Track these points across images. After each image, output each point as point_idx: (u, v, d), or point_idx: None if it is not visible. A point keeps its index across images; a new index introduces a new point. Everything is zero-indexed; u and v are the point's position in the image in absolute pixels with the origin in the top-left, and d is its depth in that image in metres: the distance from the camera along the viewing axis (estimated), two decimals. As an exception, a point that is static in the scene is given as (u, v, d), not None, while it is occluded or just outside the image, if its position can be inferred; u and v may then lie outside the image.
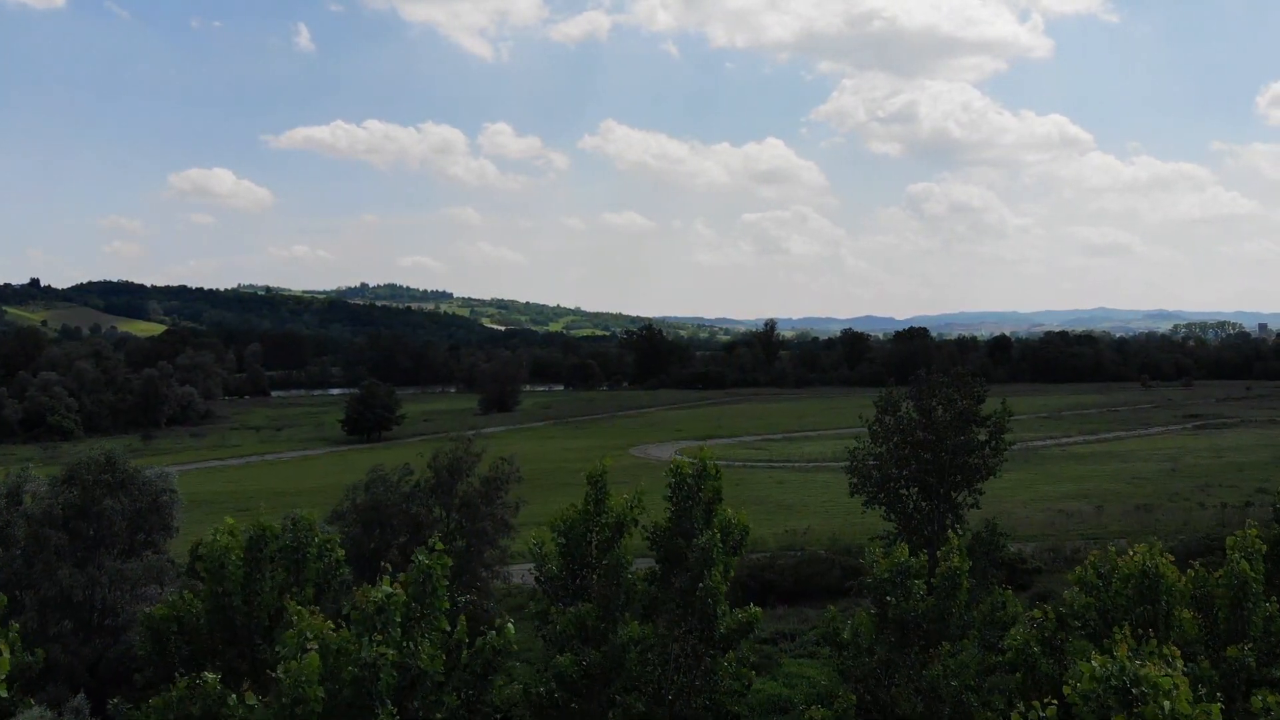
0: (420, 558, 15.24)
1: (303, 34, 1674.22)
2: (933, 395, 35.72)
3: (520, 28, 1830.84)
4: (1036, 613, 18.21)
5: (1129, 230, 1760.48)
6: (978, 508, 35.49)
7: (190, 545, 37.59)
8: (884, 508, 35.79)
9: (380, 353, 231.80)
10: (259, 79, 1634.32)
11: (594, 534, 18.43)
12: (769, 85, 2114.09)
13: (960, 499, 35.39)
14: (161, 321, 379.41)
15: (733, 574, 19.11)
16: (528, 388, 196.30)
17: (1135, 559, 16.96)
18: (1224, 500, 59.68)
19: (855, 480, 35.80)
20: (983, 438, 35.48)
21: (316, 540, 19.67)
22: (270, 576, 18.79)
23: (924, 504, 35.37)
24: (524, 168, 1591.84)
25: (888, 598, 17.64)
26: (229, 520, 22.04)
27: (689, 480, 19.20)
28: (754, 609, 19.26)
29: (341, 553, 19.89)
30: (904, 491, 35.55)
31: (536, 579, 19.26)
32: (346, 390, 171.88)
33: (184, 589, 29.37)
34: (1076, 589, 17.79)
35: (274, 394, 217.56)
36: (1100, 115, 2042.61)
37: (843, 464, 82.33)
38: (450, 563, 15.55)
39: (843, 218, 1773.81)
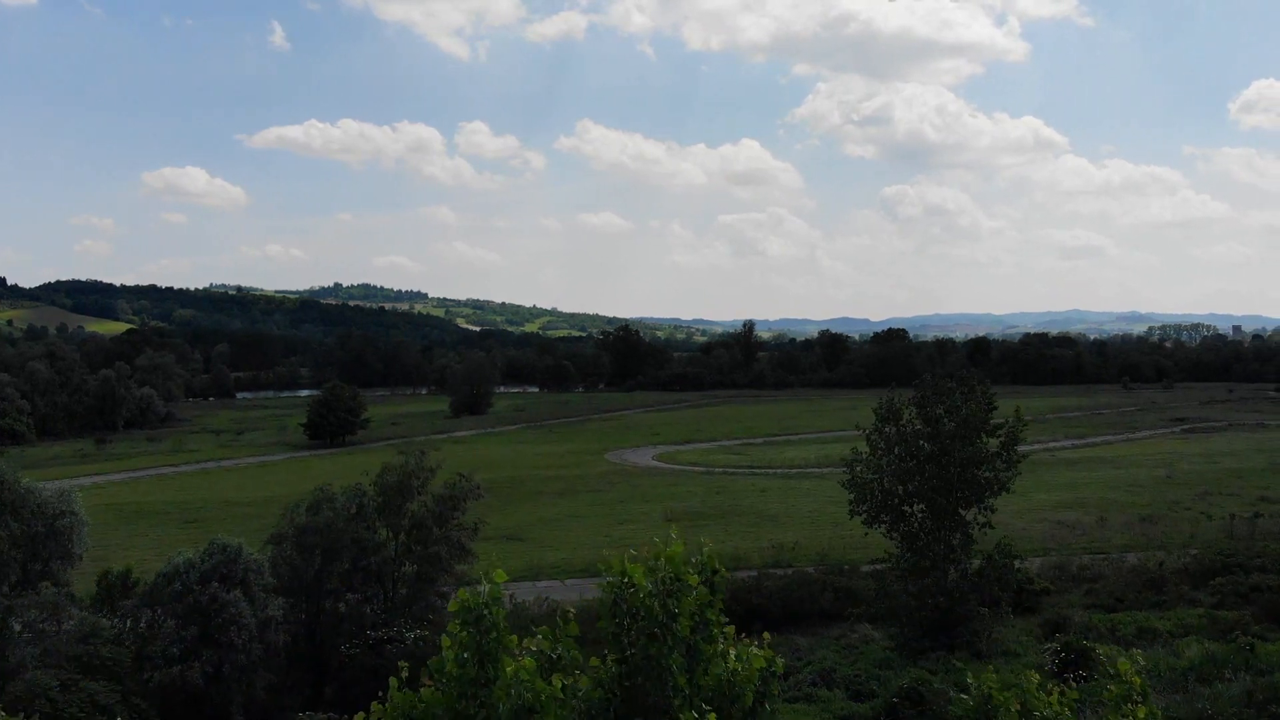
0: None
1: (277, 32, 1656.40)
2: (939, 401, 32.15)
3: (497, 27, 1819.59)
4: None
5: (1101, 233, 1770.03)
6: (990, 528, 31.98)
7: (99, 574, 33.76)
8: (885, 527, 32.20)
9: (350, 354, 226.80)
10: (233, 77, 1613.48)
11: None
12: (745, 87, 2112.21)
13: (970, 517, 31.86)
14: (130, 321, 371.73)
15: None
16: (501, 389, 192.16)
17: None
18: (1227, 510, 56.75)
19: (854, 497, 32.15)
20: (994, 448, 31.97)
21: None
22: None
23: (930, 523, 31.83)
24: (500, 167, 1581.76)
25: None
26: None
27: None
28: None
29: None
30: (907, 509, 32.01)
31: None
32: (315, 392, 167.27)
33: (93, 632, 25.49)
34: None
35: (240, 396, 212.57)
36: (1074, 119, 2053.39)
37: (825, 470, 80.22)
38: None
39: (819, 219, 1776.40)
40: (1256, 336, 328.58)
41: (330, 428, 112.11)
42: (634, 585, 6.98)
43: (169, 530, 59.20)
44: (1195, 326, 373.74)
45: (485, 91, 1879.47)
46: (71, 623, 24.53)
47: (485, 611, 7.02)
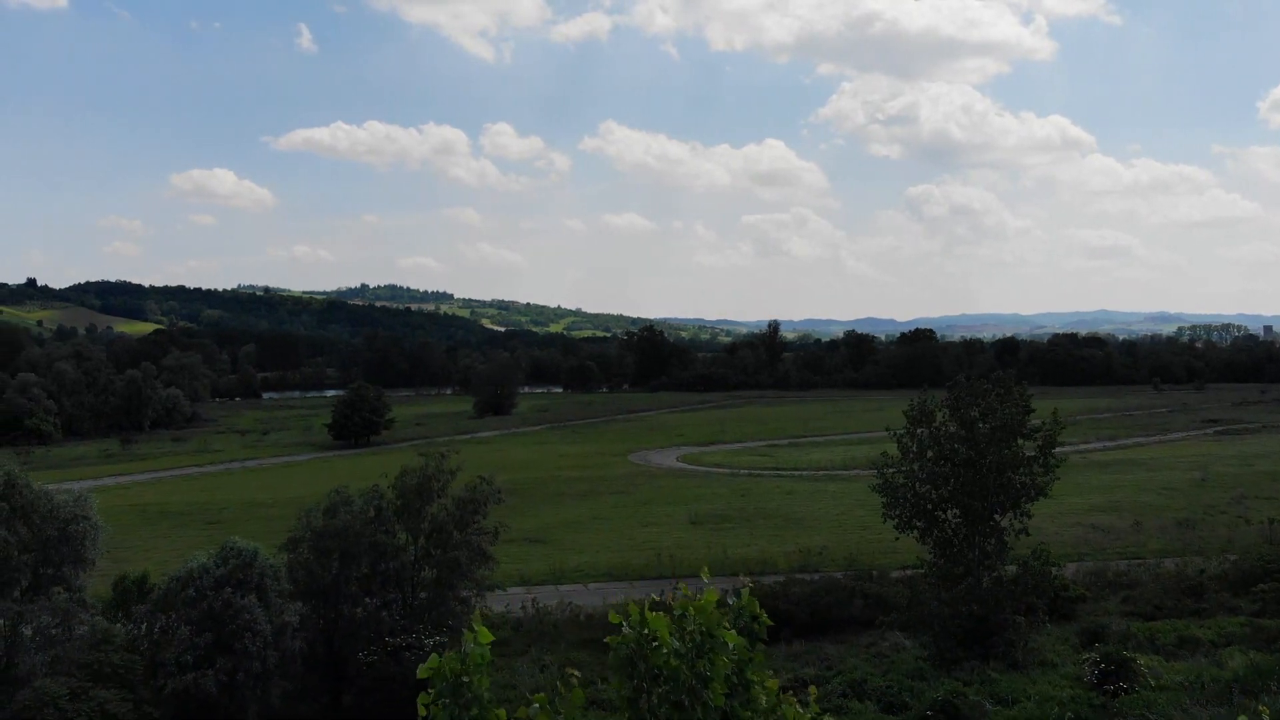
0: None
1: (304, 35, 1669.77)
2: (974, 403, 31.15)
3: (521, 29, 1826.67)
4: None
5: (1129, 232, 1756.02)
6: (1026, 534, 30.96)
7: (115, 579, 33.32)
8: (918, 533, 31.24)
9: (376, 354, 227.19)
10: (260, 80, 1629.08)
11: None
12: (769, 87, 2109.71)
13: (1006, 523, 30.85)
14: (158, 322, 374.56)
15: None
16: (525, 390, 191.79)
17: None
18: (1264, 513, 55.26)
19: (886, 501, 31.21)
20: (1030, 452, 30.95)
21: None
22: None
23: (964, 528, 30.85)
24: (525, 168, 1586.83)
25: None
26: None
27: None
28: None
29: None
30: (940, 514, 31.03)
31: None
32: (340, 392, 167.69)
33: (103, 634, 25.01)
34: None
35: (266, 396, 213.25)
36: (1101, 117, 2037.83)
37: (852, 472, 79.15)
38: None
39: (843, 220, 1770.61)
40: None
41: (355, 428, 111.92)
42: (656, 640, 5.44)
43: (191, 531, 58.88)
44: (1225, 327, 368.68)
45: (510, 93, 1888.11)
46: (83, 629, 24.04)
47: (465, 679, 5.47)
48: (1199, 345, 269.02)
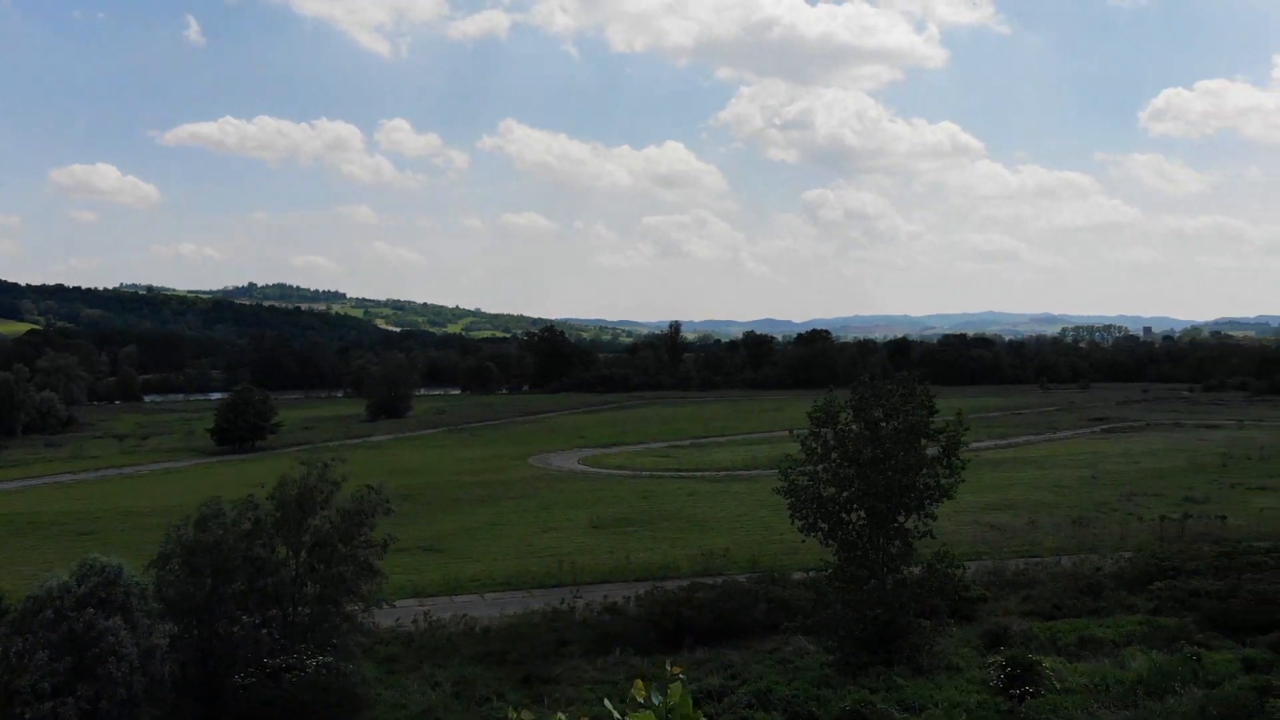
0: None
1: (192, 27, 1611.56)
2: (878, 404, 30.63)
3: (418, 24, 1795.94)
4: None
5: (1016, 236, 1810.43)
6: (932, 536, 30.58)
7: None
8: (823, 535, 30.56)
9: (264, 355, 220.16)
10: (145, 72, 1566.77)
11: None
12: (669, 89, 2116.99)
13: (911, 525, 30.40)
14: (35, 322, 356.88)
15: None
16: (421, 391, 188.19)
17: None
18: (1153, 510, 56.81)
19: (792, 503, 30.46)
20: (934, 453, 30.55)
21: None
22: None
23: (869, 530, 30.30)
24: (422, 166, 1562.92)
25: None
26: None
27: None
28: None
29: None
30: (845, 516, 30.42)
31: None
32: (225, 395, 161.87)
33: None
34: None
35: (148, 399, 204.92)
36: (990, 125, 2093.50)
37: (754, 472, 78.90)
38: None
39: (742, 222, 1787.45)
40: (1167, 337, 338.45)
41: (239, 432, 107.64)
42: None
43: (63, 543, 55.50)
44: (1107, 328, 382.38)
45: (407, 89, 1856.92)
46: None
47: None
48: (1083, 346, 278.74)
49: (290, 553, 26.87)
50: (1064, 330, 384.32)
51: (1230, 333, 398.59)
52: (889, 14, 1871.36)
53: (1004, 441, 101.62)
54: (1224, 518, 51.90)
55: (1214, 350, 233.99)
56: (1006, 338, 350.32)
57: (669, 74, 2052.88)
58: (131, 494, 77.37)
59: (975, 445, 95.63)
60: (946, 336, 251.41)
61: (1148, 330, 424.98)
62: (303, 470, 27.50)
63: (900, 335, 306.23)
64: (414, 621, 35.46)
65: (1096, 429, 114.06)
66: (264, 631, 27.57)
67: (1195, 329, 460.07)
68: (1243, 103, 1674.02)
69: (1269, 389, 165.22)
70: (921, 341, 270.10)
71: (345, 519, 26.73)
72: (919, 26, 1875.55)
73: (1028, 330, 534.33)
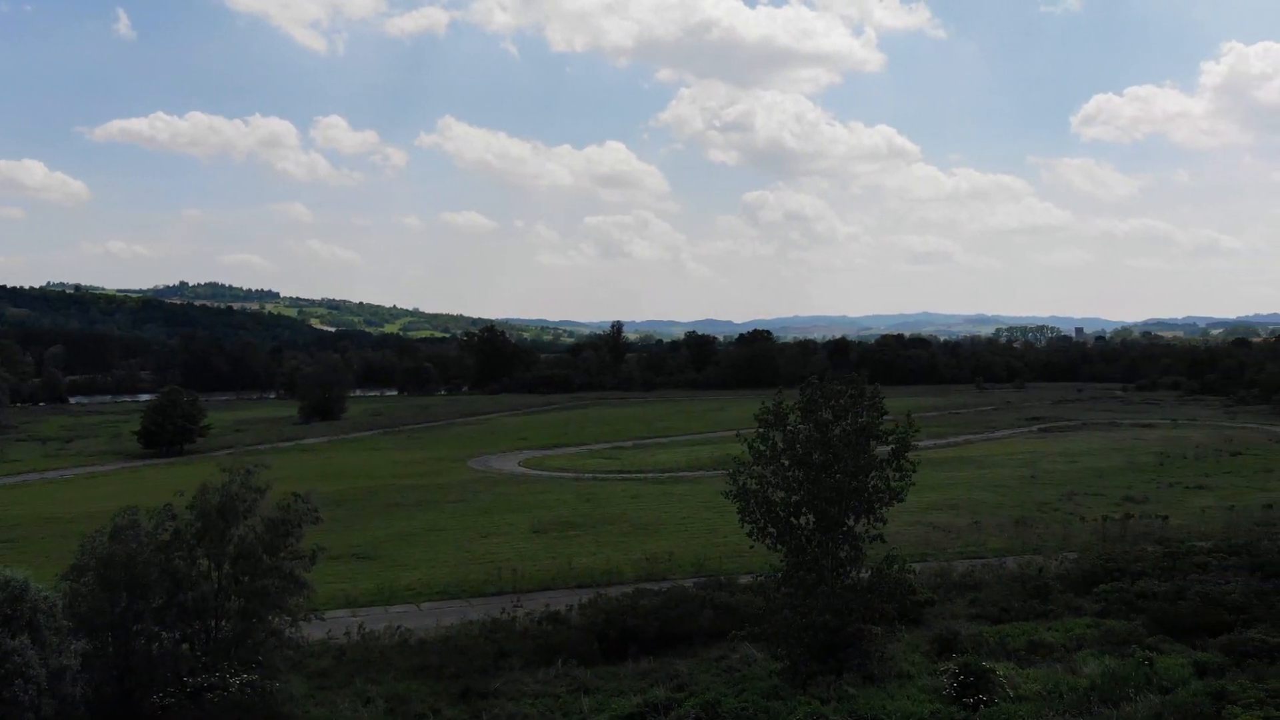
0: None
1: (122, 20, 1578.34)
2: (827, 405, 29.83)
3: (355, 21, 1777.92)
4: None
5: (950, 238, 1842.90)
6: (883, 540, 29.84)
7: None
8: (772, 540, 29.67)
9: (194, 356, 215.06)
10: (74, 66, 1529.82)
11: None
12: (610, 89, 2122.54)
13: (861, 528, 29.64)
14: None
15: None
16: (357, 393, 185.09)
17: None
18: (1094, 510, 57.01)
19: (741, 508, 29.52)
20: (883, 455, 29.83)
21: None
22: None
23: (818, 534, 29.46)
24: (359, 163, 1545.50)
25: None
26: None
27: None
28: None
29: None
30: (794, 520, 29.56)
31: None
32: (154, 396, 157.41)
33: None
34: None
35: (74, 400, 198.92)
36: (926, 128, 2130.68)
37: (698, 474, 78.10)
38: None
39: (683, 223, 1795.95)
40: (1099, 338, 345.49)
41: (167, 435, 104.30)
42: None
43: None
44: (1040, 329, 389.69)
45: (343, 86, 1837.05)
46: None
47: None
48: (1017, 346, 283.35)
49: (212, 565, 25.28)
50: (998, 331, 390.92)
51: (1160, 333, 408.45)
52: (827, 17, 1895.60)
53: (943, 441, 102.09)
54: (1166, 518, 52.09)
55: (1146, 350, 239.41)
56: (942, 338, 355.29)
57: (609, 74, 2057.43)
58: (54, 499, 74.29)
59: (916, 444, 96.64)
60: (884, 337, 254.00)
61: (1079, 331, 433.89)
62: (225, 477, 25.92)
63: (838, 335, 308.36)
64: (346, 634, 33.89)
65: (1034, 428, 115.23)
66: (184, 648, 25.98)
67: (1126, 329, 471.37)
68: (1171, 108, 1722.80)
69: (1201, 389, 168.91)
70: (860, 342, 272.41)
71: (270, 529, 25.22)
72: (857, 30, 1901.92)
73: (962, 331, 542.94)
